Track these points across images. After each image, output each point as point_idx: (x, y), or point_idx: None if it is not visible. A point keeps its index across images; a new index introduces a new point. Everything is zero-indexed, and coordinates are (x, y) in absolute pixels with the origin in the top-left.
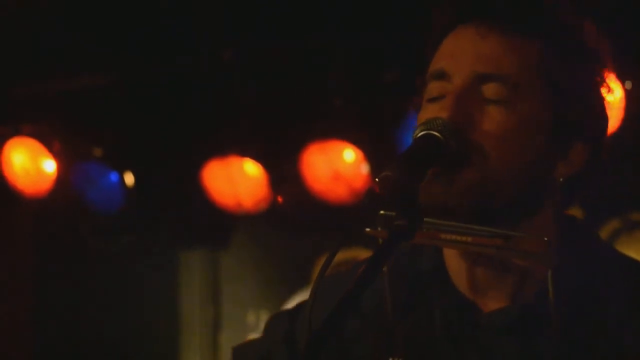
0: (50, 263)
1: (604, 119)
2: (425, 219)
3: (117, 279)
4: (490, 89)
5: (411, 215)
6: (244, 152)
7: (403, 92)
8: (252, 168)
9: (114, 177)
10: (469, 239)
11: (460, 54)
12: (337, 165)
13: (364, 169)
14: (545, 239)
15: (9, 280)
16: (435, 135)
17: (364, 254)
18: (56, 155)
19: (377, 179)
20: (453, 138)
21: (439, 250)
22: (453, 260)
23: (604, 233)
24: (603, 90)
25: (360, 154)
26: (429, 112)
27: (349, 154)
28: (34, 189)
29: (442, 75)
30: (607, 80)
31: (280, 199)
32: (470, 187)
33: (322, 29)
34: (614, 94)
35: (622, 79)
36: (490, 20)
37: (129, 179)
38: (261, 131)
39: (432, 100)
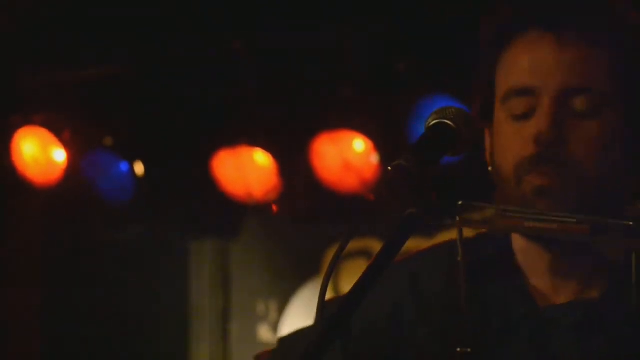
0: (59, 252)
1: None
2: (506, 208)
3: (126, 268)
4: (580, 102)
5: (423, 204)
6: (254, 142)
7: (414, 82)
8: (262, 158)
9: (124, 166)
10: (555, 226)
11: (543, 68)
12: (347, 155)
13: (374, 158)
14: (630, 223)
15: (18, 269)
16: (447, 124)
17: (376, 244)
18: (66, 144)
19: (389, 168)
20: (465, 127)
21: (507, 238)
22: (524, 247)
23: None
24: None
25: (370, 143)
26: (516, 129)
27: (359, 144)
28: (44, 179)
29: (526, 92)
30: None
31: (275, 208)
32: (565, 197)
33: (332, 18)
34: None
35: None
36: (562, 27)
37: (139, 168)
38: (271, 121)
39: (520, 117)
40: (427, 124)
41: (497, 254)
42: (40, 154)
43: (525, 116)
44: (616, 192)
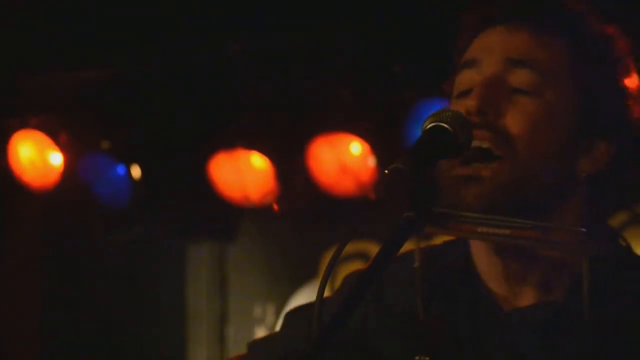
0: (57, 255)
1: (627, 120)
2: (461, 213)
3: (124, 271)
4: (519, 77)
5: (421, 208)
6: (251, 145)
7: (410, 84)
8: (259, 161)
9: (121, 169)
10: (507, 231)
11: (490, 44)
12: (344, 158)
13: (371, 161)
14: (583, 229)
15: (16, 272)
16: (444, 127)
17: (373, 247)
18: (63, 148)
19: (386, 171)
20: (461, 130)
21: (466, 245)
22: (482, 255)
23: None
24: (625, 92)
25: (367, 146)
26: (456, 105)
27: (356, 147)
28: (40, 182)
29: (471, 63)
30: (632, 83)
31: (276, 208)
32: (502, 184)
33: (329, 21)
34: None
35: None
36: (518, 19)
37: (136, 171)
38: (268, 124)
39: (461, 95)
40: (423, 127)
41: (458, 261)
42: (37, 157)
43: (467, 93)
44: (557, 173)
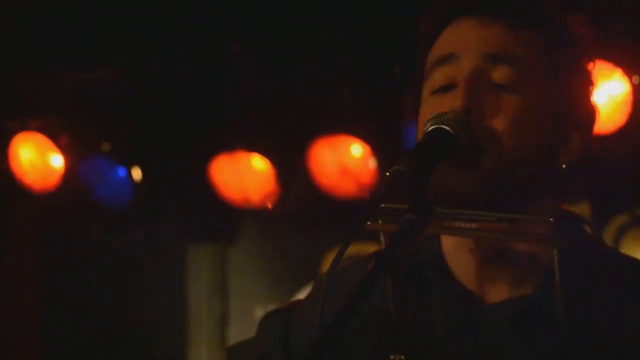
0: (58, 258)
1: (593, 110)
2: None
3: (124, 273)
4: (500, 73)
5: (422, 210)
6: (252, 147)
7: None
8: (259, 163)
9: (121, 172)
10: (474, 225)
11: (467, 38)
12: (345, 160)
13: (372, 163)
14: (551, 219)
15: (17, 274)
16: (445, 129)
17: (373, 248)
18: (64, 150)
19: (387, 173)
20: (463, 131)
21: (437, 241)
22: (453, 250)
23: (611, 228)
24: (591, 82)
25: (367, 148)
26: (438, 104)
27: (357, 149)
28: (41, 184)
29: (449, 58)
30: (593, 72)
31: (270, 207)
32: (488, 174)
33: (329, 22)
34: (621, 89)
35: (629, 73)
36: (490, 11)
37: (137, 173)
38: (269, 126)
39: (441, 90)
40: (425, 129)
41: (429, 258)
42: (38, 159)
43: (445, 89)
44: (541, 166)
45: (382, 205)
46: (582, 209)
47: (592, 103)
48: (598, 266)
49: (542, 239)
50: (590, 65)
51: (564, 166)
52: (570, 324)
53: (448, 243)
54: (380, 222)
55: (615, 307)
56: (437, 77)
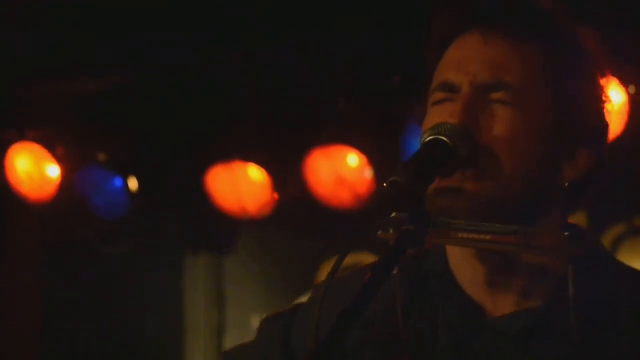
0: (54, 268)
1: (605, 125)
2: (448, 221)
3: (121, 283)
4: (497, 94)
5: (419, 221)
6: (248, 157)
7: (408, 97)
8: (256, 173)
9: (118, 182)
10: (487, 237)
11: (466, 64)
12: (341, 170)
13: (368, 174)
14: (566, 233)
15: (14, 285)
16: (443, 140)
17: (370, 258)
18: (60, 160)
19: (385, 184)
20: (461, 143)
21: (443, 251)
22: (460, 261)
23: (608, 238)
24: (602, 97)
25: (364, 158)
26: (436, 115)
27: (353, 159)
28: (38, 194)
29: (449, 88)
30: (606, 87)
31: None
32: (484, 200)
33: (327, 34)
34: (618, 99)
35: (625, 83)
36: (493, 26)
37: (133, 184)
38: (265, 136)
39: (440, 102)
40: (422, 139)
41: (436, 269)
42: (35, 169)
43: (445, 100)
44: (540, 183)
45: (393, 214)
46: (579, 219)
47: (604, 119)
48: (612, 281)
49: (557, 252)
50: (603, 81)
51: (566, 184)
52: (583, 338)
53: (455, 254)
54: (391, 231)
55: (629, 323)
56: (438, 96)
